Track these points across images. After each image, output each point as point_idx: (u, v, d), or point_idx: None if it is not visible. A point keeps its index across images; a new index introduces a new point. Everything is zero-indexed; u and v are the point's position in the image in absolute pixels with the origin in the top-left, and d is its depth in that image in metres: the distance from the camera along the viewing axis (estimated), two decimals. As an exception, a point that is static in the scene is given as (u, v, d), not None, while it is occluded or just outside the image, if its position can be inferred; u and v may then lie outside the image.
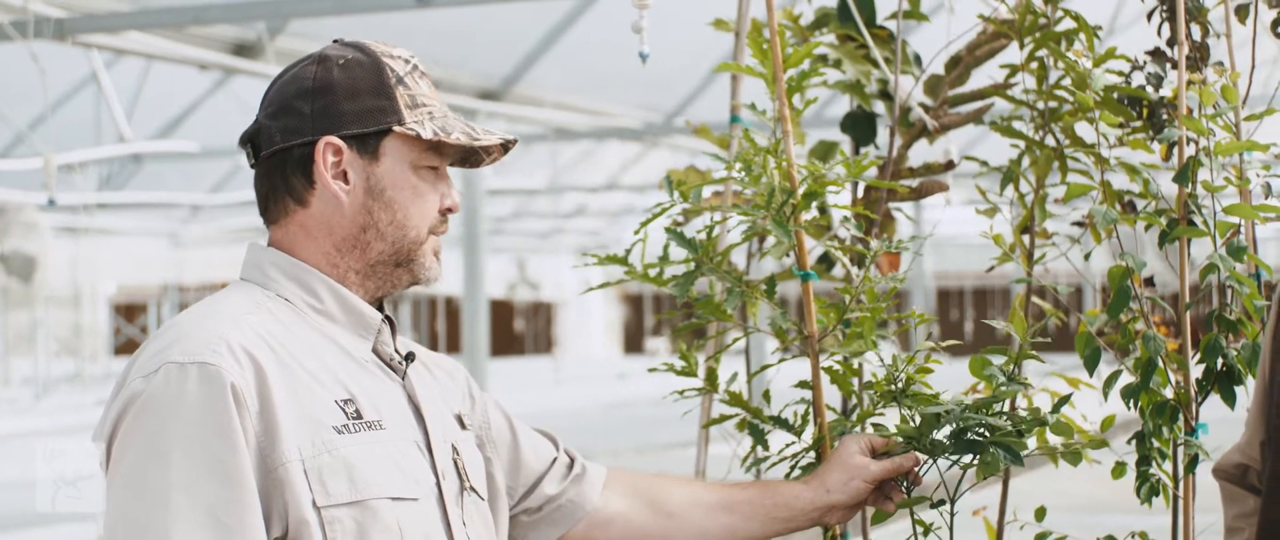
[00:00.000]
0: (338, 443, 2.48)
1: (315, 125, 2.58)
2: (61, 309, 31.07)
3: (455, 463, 2.67)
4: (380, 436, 2.54)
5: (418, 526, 2.54)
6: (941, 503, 3.09)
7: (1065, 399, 3.16)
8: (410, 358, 2.69)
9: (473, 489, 2.69)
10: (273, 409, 2.44)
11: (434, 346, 36.72)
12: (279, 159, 2.62)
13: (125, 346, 40.39)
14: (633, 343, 50.34)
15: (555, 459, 2.99)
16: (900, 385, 3.10)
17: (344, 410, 2.51)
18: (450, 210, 2.68)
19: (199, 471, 2.37)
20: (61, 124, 14.13)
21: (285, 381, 2.47)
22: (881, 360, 3.17)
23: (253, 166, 2.67)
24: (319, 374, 2.52)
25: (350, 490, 2.47)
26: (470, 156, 2.71)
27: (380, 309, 2.68)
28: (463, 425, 2.77)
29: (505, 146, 2.69)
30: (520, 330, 48.69)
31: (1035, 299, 3.69)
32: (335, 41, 2.69)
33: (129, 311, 42.90)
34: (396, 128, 2.59)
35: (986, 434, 3.04)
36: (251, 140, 2.65)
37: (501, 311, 45.98)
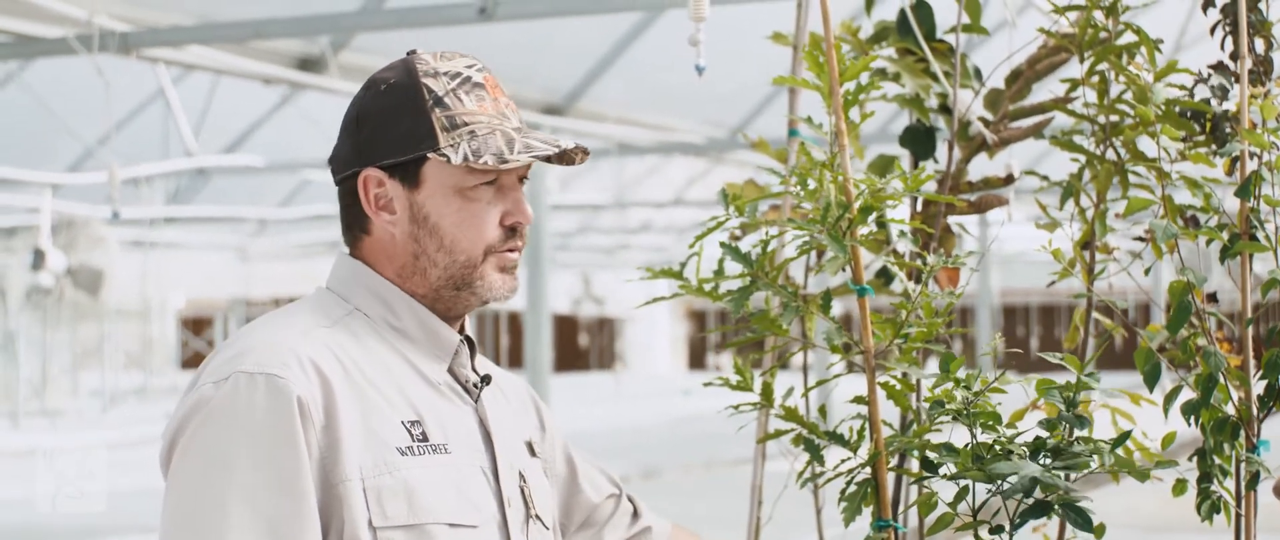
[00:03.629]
0: (400, 464, 2.46)
1: (360, 156, 2.57)
2: (129, 322, 31.26)
3: (522, 490, 2.64)
4: (444, 461, 2.52)
5: None
6: (1000, 529, 3.07)
7: (1126, 436, 3.12)
8: (486, 380, 2.67)
9: (538, 518, 2.66)
10: (338, 425, 2.43)
11: (497, 362, 36.82)
12: (343, 189, 2.62)
13: (192, 360, 40.60)
14: (697, 359, 50.30)
15: (616, 500, 2.97)
16: (967, 406, 3.08)
17: (410, 431, 2.49)
18: (515, 225, 2.61)
19: (261, 482, 2.37)
20: (130, 139, 14.26)
21: (352, 398, 2.46)
22: (913, 376, 3.15)
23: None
24: (388, 393, 2.51)
25: (408, 513, 2.45)
26: (563, 155, 2.61)
27: (462, 328, 2.66)
28: (532, 452, 2.75)
29: (583, 151, 2.62)
30: (585, 346, 48.71)
31: (1098, 315, 3.66)
32: (408, 53, 2.64)
33: (196, 325, 43.15)
34: (430, 154, 2.54)
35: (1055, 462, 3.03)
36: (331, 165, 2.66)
37: (566, 327, 46.01)
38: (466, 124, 2.55)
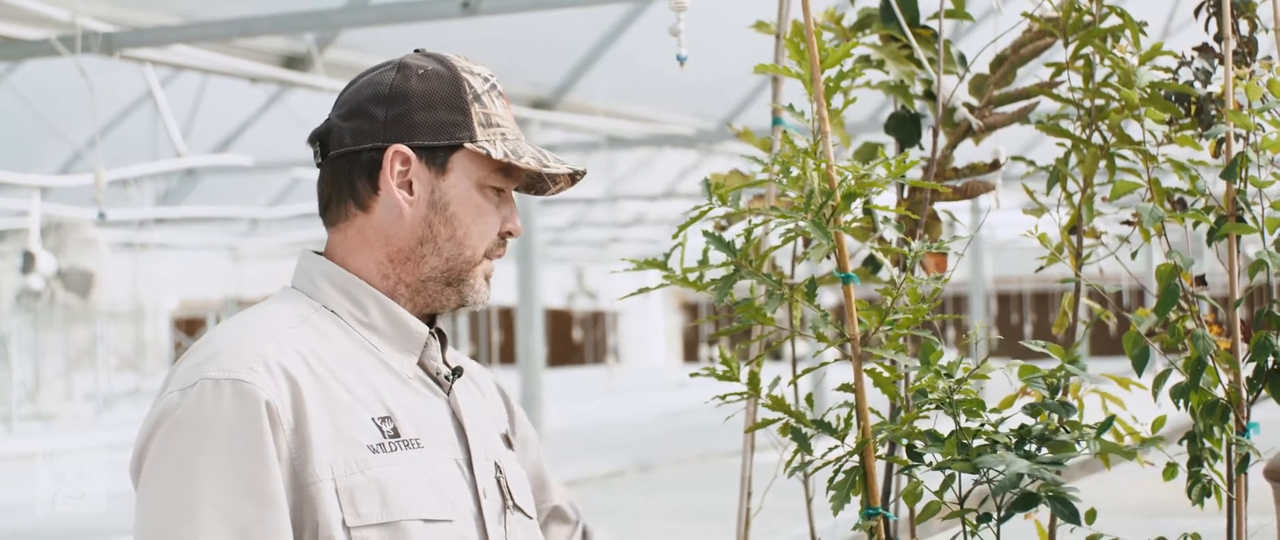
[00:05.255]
0: (371, 462, 2.46)
1: (387, 132, 2.56)
2: (122, 324, 31.24)
3: (498, 481, 2.63)
4: (417, 456, 2.51)
5: None
6: (987, 517, 3.06)
7: (1111, 420, 3.12)
8: (457, 373, 2.67)
9: (518, 508, 2.66)
10: (307, 426, 2.42)
11: (489, 357, 36.78)
12: (346, 161, 2.59)
13: (186, 361, 40.53)
14: (692, 352, 50.32)
15: (572, 528, 2.95)
16: (950, 395, 3.07)
17: (380, 429, 2.49)
18: (510, 234, 2.65)
19: (230, 489, 2.36)
20: (118, 141, 14.26)
21: (321, 399, 2.46)
22: (902, 363, 3.14)
23: (318, 166, 2.65)
24: (357, 391, 2.50)
25: (382, 511, 2.45)
26: (536, 183, 2.69)
27: (431, 323, 2.66)
28: (509, 444, 2.74)
29: (573, 177, 2.67)
30: (578, 340, 48.70)
31: (1087, 300, 3.65)
32: (417, 51, 2.67)
33: (190, 326, 43.11)
34: (468, 144, 2.57)
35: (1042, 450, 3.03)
36: (320, 139, 2.63)
37: (560, 321, 46.01)
38: (498, 126, 2.61)
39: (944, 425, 3.11)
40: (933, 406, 3.09)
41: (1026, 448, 3.06)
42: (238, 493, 2.36)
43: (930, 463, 3.08)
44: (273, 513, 2.37)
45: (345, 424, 2.46)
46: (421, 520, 2.47)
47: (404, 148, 2.56)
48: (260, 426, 2.39)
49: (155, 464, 2.40)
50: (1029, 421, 3.12)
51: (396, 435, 2.49)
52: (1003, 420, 3.09)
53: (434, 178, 2.57)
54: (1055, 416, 3.11)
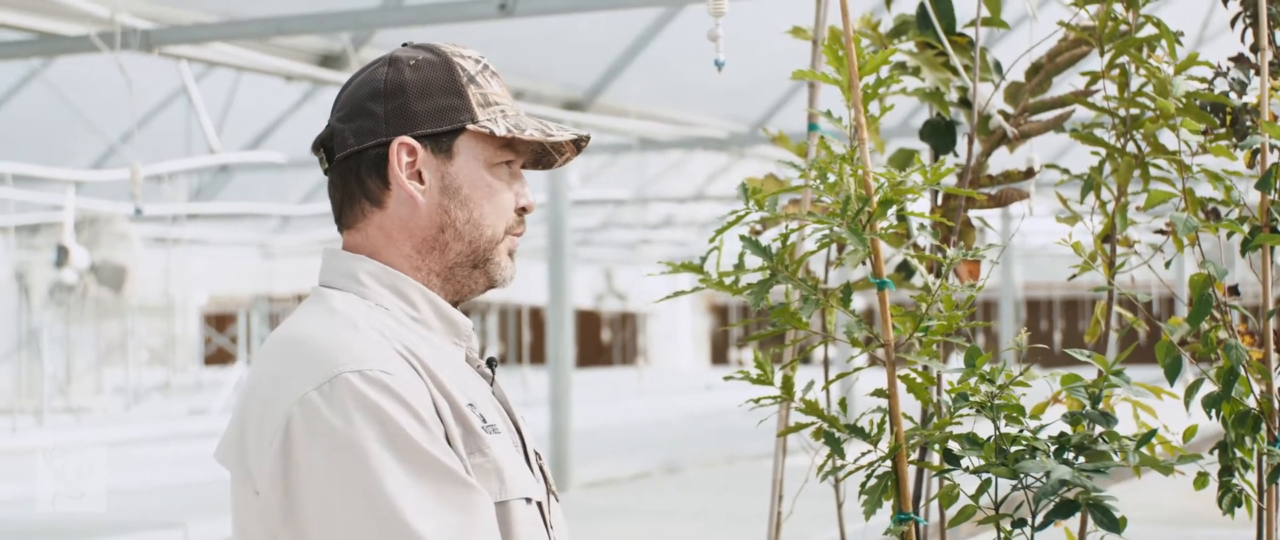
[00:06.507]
0: (483, 443, 2.47)
1: (389, 126, 2.56)
2: (152, 318, 31.34)
3: (541, 466, 2.66)
4: (502, 439, 2.52)
5: (536, 529, 2.53)
6: (1022, 523, 3.07)
7: (1151, 434, 3.13)
8: (492, 362, 2.68)
9: (553, 493, 2.68)
10: (442, 412, 2.43)
11: (519, 358, 36.79)
12: (353, 162, 2.59)
13: (215, 356, 40.66)
14: (720, 354, 50.31)
15: None
16: (992, 399, 3.08)
17: (472, 414, 2.50)
18: (526, 209, 2.65)
19: (415, 474, 2.35)
20: (152, 136, 14.31)
21: (435, 387, 2.46)
22: (934, 369, 3.15)
23: (326, 172, 2.64)
24: (442, 381, 2.51)
25: (500, 490, 2.46)
26: (542, 158, 2.68)
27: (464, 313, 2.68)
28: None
29: (578, 145, 2.67)
30: (607, 341, 48.71)
31: (1119, 309, 3.66)
32: (405, 44, 2.67)
33: (219, 321, 43.21)
34: (470, 126, 2.56)
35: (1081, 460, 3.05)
36: (324, 145, 2.62)
37: (589, 322, 46.04)
38: (496, 103, 2.60)
39: (980, 430, 3.13)
40: (971, 411, 3.10)
41: (1065, 456, 3.07)
42: (423, 474, 2.36)
43: (968, 467, 3.10)
44: (467, 479, 2.38)
45: (455, 410, 2.47)
46: (523, 499, 2.50)
47: (408, 138, 2.55)
48: (414, 413, 2.38)
49: (316, 477, 2.38)
50: (1067, 430, 3.12)
51: (484, 420, 2.50)
52: (1042, 427, 3.10)
53: (442, 164, 2.57)
54: (1095, 426, 3.12)
